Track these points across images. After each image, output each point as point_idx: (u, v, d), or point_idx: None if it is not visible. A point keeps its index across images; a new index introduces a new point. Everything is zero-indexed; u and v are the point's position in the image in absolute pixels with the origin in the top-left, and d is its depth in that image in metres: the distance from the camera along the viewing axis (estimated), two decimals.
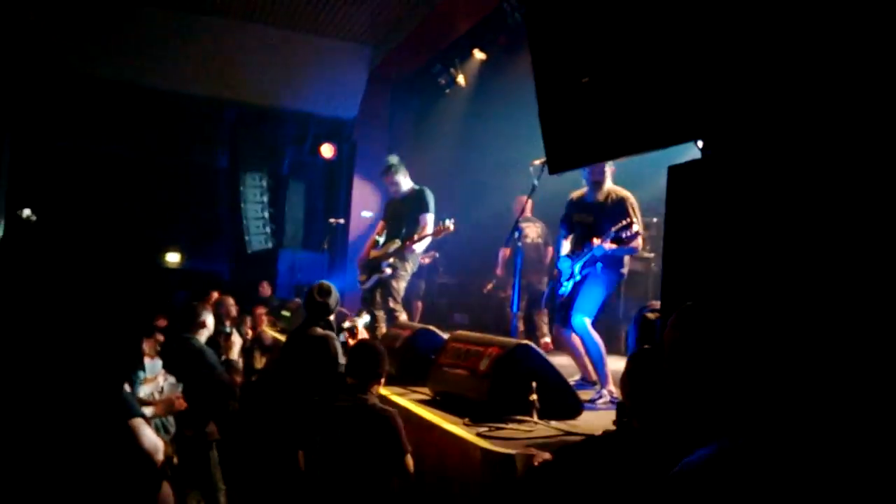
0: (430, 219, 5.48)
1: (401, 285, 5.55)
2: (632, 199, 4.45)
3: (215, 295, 7.35)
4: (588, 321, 4.45)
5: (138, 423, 2.62)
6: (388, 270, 5.47)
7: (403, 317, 5.56)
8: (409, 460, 3.17)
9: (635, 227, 4.28)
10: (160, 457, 2.84)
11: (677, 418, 1.87)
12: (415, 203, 5.54)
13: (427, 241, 5.50)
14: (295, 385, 4.02)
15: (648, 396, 2.16)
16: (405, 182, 5.68)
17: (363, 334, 4.67)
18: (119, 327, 0.86)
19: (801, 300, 2.13)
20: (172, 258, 11.41)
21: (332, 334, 4.24)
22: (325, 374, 3.86)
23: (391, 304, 5.54)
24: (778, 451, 1.08)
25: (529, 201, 5.47)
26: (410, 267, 5.61)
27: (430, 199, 5.51)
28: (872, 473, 1.53)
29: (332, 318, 4.38)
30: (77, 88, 9.03)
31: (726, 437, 1.11)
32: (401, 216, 5.61)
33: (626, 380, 2.28)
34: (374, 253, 5.66)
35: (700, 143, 3.00)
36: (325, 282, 4.45)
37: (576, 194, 4.74)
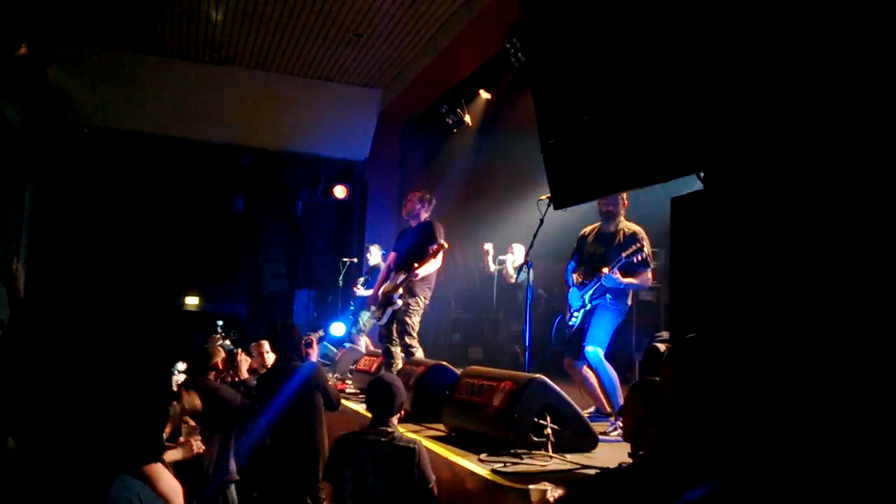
0: (438, 253, 5.55)
1: (414, 320, 5.58)
2: (642, 233, 4.49)
3: (217, 339, 7.53)
4: (601, 352, 4.46)
5: (156, 467, 2.65)
6: (400, 302, 5.51)
7: (419, 353, 5.58)
8: (434, 489, 3.26)
9: (645, 253, 4.32)
10: (179, 500, 2.87)
11: (679, 451, 1.88)
12: (424, 235, 5.61)
13: (432, 265, 5.52)
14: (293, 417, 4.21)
15: (649, 427, 2.18)
16: (424, 215, 5.78)
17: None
18: (145, 377, 0.91)
19: (804, 329, 2.15)
20: (191, 301, 11.57)
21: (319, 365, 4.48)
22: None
23: (407, 340, 5.57)
24: (768, 494, 1.10)
25: None
26: (422, 301, 5.64)
27: (440, 232, 5.58)
28: None
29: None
30: (96, 139, 9.28)
31: (715, 480, 1.13)
32: (410, 247, 5.67)
33: (625, 410, 2.31)
34: (385, 287, 5.71)
35: (702, 175, 3.06)
36: (288, 320, 4.69)
37: (587, 229, 4.81)
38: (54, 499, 0.92)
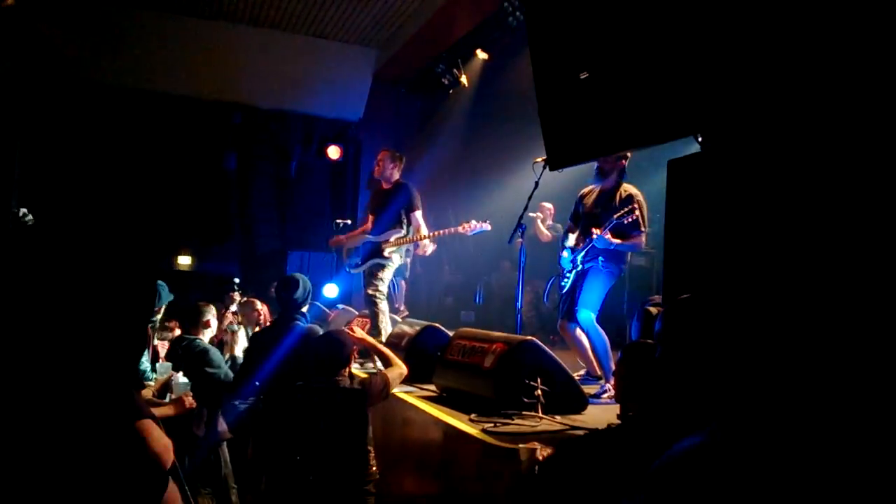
0: (420, 216, 5.48)
1: (384, 275, 5.50)
2: (640, 197, 4.44)
3: (236, 296, 7.39)
4: (593, 316, 4.47)
5: (147, 423, 2.66)
6: (395, 257, 5.45)
7: (384, 304, 5.47)
8: (390, 377, 3.59)
9: (636, 215, 4.28)
10: (170, 457, 2.88)
11: (671, 410, 1.89)
12: (401, 199, 5.49)
13: (423, 230, 5.46)
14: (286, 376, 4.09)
15: (640, 388, 2.19)
16: (396, 175, 5.66)
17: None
18: (121, 329, 0.91)
19: (798, 292, 2.14)
20: (184, 261, 11.50)
21: (314, 327, 4.33)
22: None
23: (370, 291, 5.48)
24: (756, 445, 1.10)
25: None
26: (397, 259, 5.59)
27: (417, 197, 5.49)
28: (855, 467, 1.55)
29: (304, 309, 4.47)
30: (87, 95, 9.11)
31: (706, 430, 1.14)
32: (386, 208, 5.55)
33: (617, 371, 2.32)
34: (374, 238, 5.59)
35: (700, 138, 3.01)
36: (294, 276, 4.53)
37: (586, 189, 4.77)
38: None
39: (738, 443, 1.10)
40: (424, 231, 5.49)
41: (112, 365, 0.98)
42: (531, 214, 7.23)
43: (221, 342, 4.95)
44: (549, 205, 7.39)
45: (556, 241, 7.05)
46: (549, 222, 7.40)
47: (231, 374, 4.33)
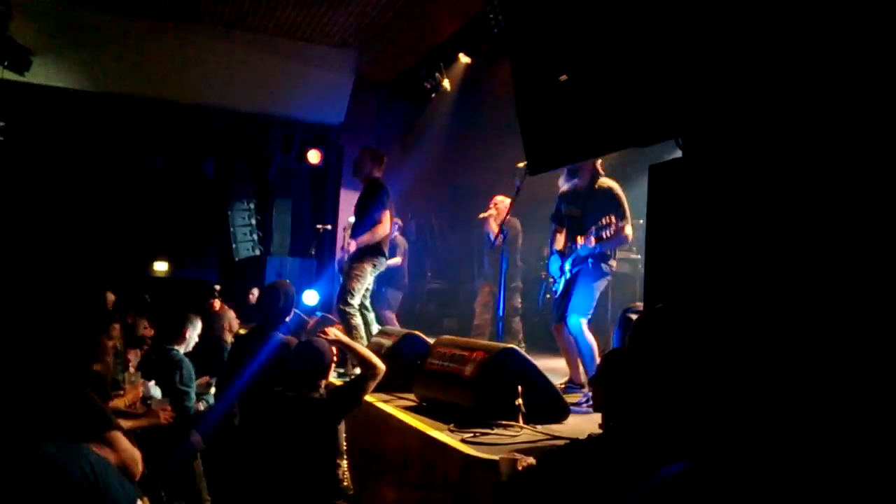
0: (386, 216, 5.21)
1: (355, 285, 5.15)
2: (617, 189, 4.41)
3: (216, 304, 7.26)
4: (584, 321, 4.42)
5: (114, 434, 2.57)
6: (366, 267, 5.19)
7: (357, 320, 5.18)
8: (362, 381, 3.49)
9: (613, 228, 4.22)
10: (139, 468, 2.78)
11: (647, 423, 1.84)
12: (368, 198, 5.30)
13: (371, 236, 5.17)
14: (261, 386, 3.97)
15: (617, 396, 2.14)
16: (377, 173, 5.47)
17: None
18: (66, 338, 0.85)
19: (781, 300, 2.10)
20: (160, 267, 11.32)
21: (291, 339, 4.19)
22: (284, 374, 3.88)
23: (340, 305, 5.19)
24: (745, 471, 1.05)
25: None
26: (369, 267, 5.24)
27: (381, 198, 5.25)
28: (837, 488, 1.50)
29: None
30: (61, 99, 8.95)
31: (691, 455, 1.08)
32: (361, 209, 5.37)
33: (595, 379, 2.28)
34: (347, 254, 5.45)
35: (680, 142, 2.98)
36: (278, 283, 4.41)
37: (564, 188, 4.73)
38: None
39: (720, 471, 1.05)
40: (384, 230, 5.23)
41: (61, 374, 0.91)
42: (482, 215, 6.38)
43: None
44: (504, 199, 6.43)
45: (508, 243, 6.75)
46: (506, 217, 6.94)
47: (192, 408, 4.18)
